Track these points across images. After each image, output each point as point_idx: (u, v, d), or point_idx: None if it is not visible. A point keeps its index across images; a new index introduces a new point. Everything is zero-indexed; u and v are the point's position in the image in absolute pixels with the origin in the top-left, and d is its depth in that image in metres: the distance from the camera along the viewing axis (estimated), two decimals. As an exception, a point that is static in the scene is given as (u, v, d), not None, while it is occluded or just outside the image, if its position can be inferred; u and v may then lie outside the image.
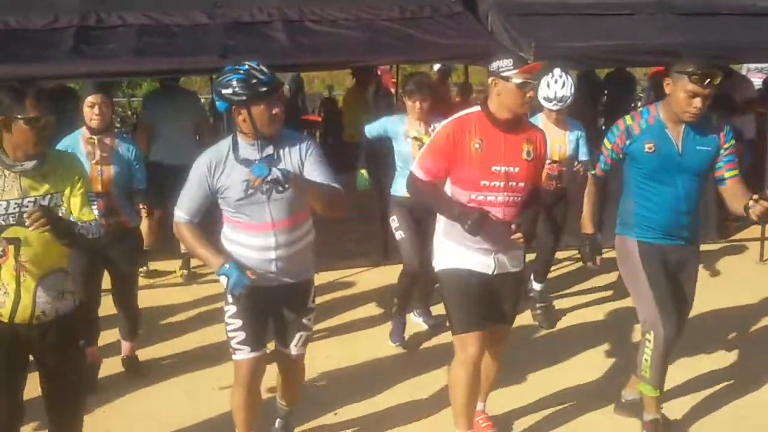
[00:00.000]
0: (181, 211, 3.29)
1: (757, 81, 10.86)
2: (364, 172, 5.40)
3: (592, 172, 3.84)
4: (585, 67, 8.12)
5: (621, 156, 3.64)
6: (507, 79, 3.28)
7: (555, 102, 5.15)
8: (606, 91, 10.03)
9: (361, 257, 6.85)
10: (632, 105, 10.54)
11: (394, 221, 5.11)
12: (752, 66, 14.11)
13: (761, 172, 7.27)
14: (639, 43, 6.44)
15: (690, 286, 3.81)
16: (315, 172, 3.25)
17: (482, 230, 3.25)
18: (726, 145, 3.59)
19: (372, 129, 5.28)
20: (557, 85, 5.11)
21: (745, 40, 6.60)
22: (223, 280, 3.09)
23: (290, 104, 11.01)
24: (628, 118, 3.61)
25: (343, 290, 6.32)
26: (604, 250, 4.00)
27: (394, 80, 10.24)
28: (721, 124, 3.60)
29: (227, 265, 3.11)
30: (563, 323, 5.62)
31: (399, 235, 5.08)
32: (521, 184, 3.41)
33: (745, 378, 4.50)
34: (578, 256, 4.79)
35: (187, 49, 5.82)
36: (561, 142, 5.31)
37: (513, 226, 3.33)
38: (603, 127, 9.60)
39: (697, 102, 3.36)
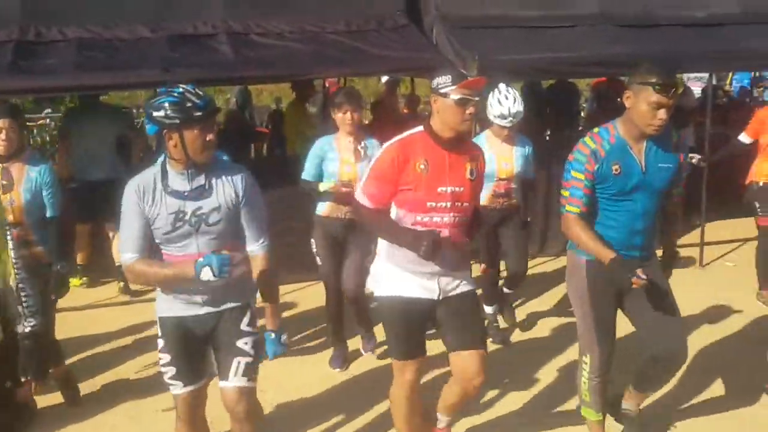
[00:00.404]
0: (128, 252, 3.02)
1: (696, 89, 11.14)
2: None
3: (574, 210, 3.35)
4: (529, 78, 8.25)
5: (594, 181, 3.33)
6: (446, 95, 3.16)
7: (510, 119, 4.87)
8: (550, 103, 10.15)
9: (304, 271, 6.13)
10: (577, 115, 10.75)
11: (313, 244, 4.93)
12: (691, 75, 14.46)
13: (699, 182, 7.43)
14: (582, 54, 6.57)
15: (666, 298, 3.49)
16: (249, 217, 3.15)
17: (438, 254, 3.12)
18: (682, 162, 3.50)
19: (309, 171, 4.83)
20: (509, 102, 4.86)
21: (686, 50, 6.74)
22: (207, 272, 2.87)
23: (237, 116, 10.93)
24: (588, 141, 3.31)
25: (290, 309, 6.06)
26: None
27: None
28: (680, 139, 3.50)
29: (201, 258, 2.91)
30: (549, 333, 5.61)
31: (318, 259, 4.94)
32: (466, 204, 3.32)
33: (685, 387, 4.51)
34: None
35: (129, 63, 5.73)
36: (508, 159, 5.02)
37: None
38: (547, 138, 9.76)
39: (662, 113, 3.15)
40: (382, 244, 3.42)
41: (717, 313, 5.73)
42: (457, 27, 6.51)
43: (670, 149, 3.37)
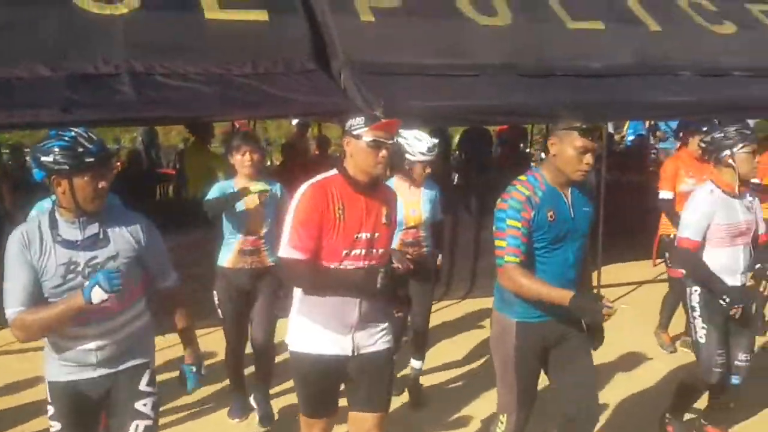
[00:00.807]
0: (13, 306, 2.78)
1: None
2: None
3: (513, 260, 3.17)
4: (435, 125, 8.36)
5: (530, 230, 3.19)
6: (359, 137, 3.06)
7: (433, 152, 4.69)
8: (460, 147, 10.38)
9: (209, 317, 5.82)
10: (488, 159, 11.02)
11: (215, 296, 4.74)
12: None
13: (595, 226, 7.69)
14: (485, 102, 6.74)
15: (585, 357, 3.44)
16: (153, 260, 3.08)
17: (390, 287, 3.06)
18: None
19: (210, 201, 4.60)
20: (424, 136, 4.72)
21: (584, 99, 6.93)
22: (98, 293, 2.67)
23: (139, 157, 10.70)
24: (521, 188, 3.20)
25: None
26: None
27: (252, 134, 10.18)
28: (592, 183, 3.55)
29: (86, 282, 2.72)
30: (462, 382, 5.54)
31: (221, 313, 4.74)
32: (380, 251, 3.18)
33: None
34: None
35: (28, 103, 5.52)
36: (415, 204, 4.81)
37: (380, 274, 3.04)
38: (455, 182, 9.95)
39: (588, 158, 3.13)
40: (296, 296, 3.24)
41: (624, 357, 5.81)
42: (365, 73, 6.57)
43: (587, 194, 3.38)
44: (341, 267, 3.09)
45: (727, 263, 4.00)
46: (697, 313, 4.10)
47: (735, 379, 4.15)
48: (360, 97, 6.28)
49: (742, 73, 8.33)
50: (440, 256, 5.29)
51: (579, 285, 3.35)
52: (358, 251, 3.10)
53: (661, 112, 7.86)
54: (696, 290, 4.13)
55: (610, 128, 12.53)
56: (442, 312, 6.95)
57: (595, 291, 7.00)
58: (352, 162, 3.12)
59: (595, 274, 7.27)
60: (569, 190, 3.28)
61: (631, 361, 5.76)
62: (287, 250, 3.08)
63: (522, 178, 3.28)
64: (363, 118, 3.13)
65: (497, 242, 3.22)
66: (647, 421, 4.66)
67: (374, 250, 3.14)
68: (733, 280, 4.01)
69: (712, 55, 8.33)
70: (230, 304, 4.70)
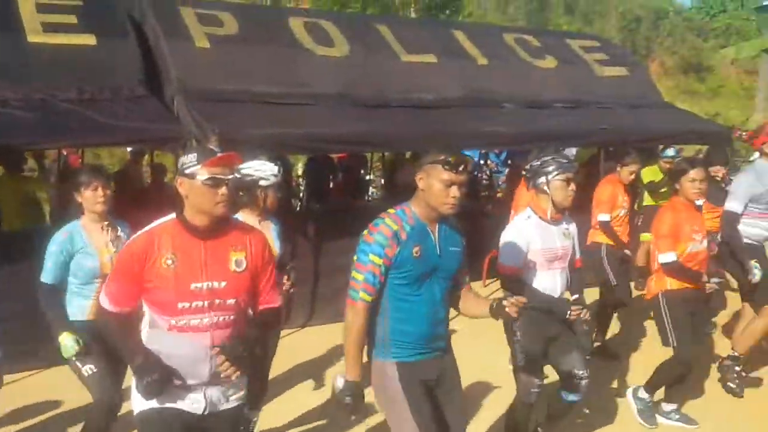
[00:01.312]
0: None
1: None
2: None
3: (366, 298, 3.07)
4: (272, 153, 8.31)
5: (390, 267, 3.08)
6: (192, 176, 2.80)
7: (279, 173, 4.39)
8: (304, 174, 10.42)
9: (29, 359, 5.58)
10: (329, 187, 11.12)
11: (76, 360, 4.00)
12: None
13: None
14: (322, 131, 6.81)
15: (457, 397, 3.34)
16: None
17: (162, 394, 2.79)
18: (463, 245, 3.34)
19: (51, 272, 3.93)
20: (266, 160, 4.34)
21: (416, 129, 7.24)
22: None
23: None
24: (390, 222, 3.08)
25: (10, 404, 5.08)
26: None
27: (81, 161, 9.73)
28: (459, 222, 3.35)
29: None
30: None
31: (85, 371, 3.92)
32: (231, 301, 2.89)
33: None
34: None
35: None
36: (270, 241, 4.47)
37: (217, 353, 2.83)
38: (297, 209, 9.96)
39: (455, 191, 3.03)
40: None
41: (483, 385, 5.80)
42: (199, 99, 6.47)
43: (456, 231, 3.28)
44: (178, 323, 2.83)
45: (546, 287, 4.11)
46: (517, 336, 4.16)
47: (574, 396, 4.23)
48: (194, 123, 6.17)
49: (563, 105, 8.99)
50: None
51: (447, 324, 3.29)
52: (199, 303, 2.83)
53: (488, 142, 8.23)
54: None
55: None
56: (283, 341, 6.85)
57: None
58: (188, 204, 2.86)
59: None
60: (438, 227, 3.18)
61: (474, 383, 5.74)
62: (101, 296, 2.95)
63: (391, 211, 3.15)
64: (195, 154, 2.85)
65: (354, 273, 3.09)
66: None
67: (220, 301, 2.86)
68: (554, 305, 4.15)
69: (535, 88, 8.91)
70: (101, 359, 3.90)
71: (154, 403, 2.87)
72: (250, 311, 3.03)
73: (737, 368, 5.50)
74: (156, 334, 2.89)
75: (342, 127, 6.93)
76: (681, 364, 4.81)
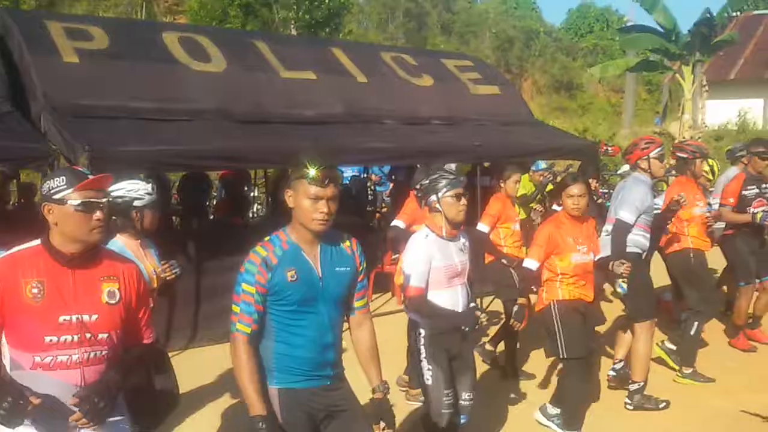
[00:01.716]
0: None
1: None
2: None
3: (245, 330, 2.96)
4: (147, 171, 8.05)
5: (267, 295, 2.99)
6: (62, 202, 2.61)
7: (153, 192, 4.22)
8: (177, 192, 10.18)
9: None
10: (207, 204, 10.93)
11: None
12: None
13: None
14: (200, 147, 6.70)
15: (360, 426, 3.19)
16: None
17: (20, 420, 2.49)
18: (360, 268, 3.23)
19: None
20: (139, 181, 4.20)
21: (297, 145, 6.94)
22: None
23: None
24: (260, 249, 3.00)
25: None
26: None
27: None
28: (353, 242, 3.23)
29: None
30: None
31: None
32: (103, 336, 2.69)
33: None
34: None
35: None
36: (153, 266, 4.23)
37: (73, 401, 2.57)
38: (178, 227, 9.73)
39: (322, 206, 2.93)
40: None
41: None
42: (67, 116, 6.23)
43: (346, 251, 3.16)
44: (44, 360, 2.60)
45: (449, 303, 4.11)
46: (422, 355, 4.13)
47: (463, 419, 4.23)
48: (63, 141, 5.93)
49: (439, 122, 9.24)
50: None
51: (339, 351, 3.19)
52: (67, 338, 2.61)
53: (370, 157, 8.34)
54: (420, 333, 4.15)
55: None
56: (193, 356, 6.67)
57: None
58: (57, 231, 2.64)
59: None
60: (318, 248, 3.07)
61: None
62: None
63: (266, 238, 3.05)
64: (64, 177, 2.65)
65: (233, 306, 3.00)
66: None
67: (91, 336, 2.65)
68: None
69: (413, 105, 9.12)
70: None
71: None
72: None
73: (643, 392, 5.62)
74: (17, 376, 2.61)
75: (220, 143, 6.83)
76: (574, 367, 4.93)
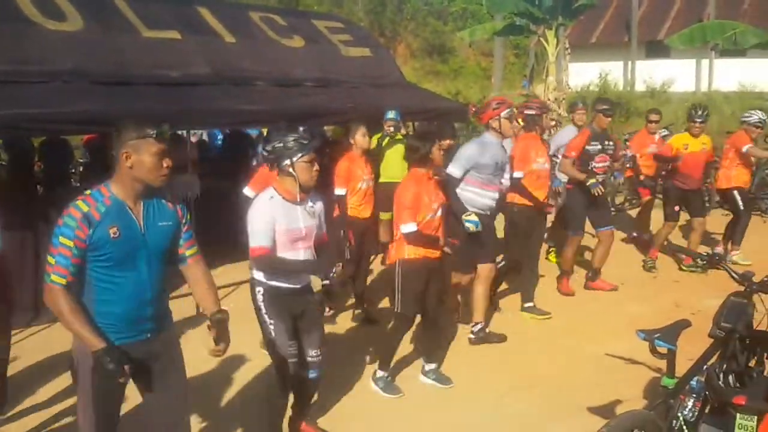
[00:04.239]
0: None
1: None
2: None
3: (59, 281, 2.99)
4: (4, 136, 7.61)
5: (86, 250, 3.01)
6: None
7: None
8: (39, 159, 9.63)
9: None
10: (71, 171, 10.43)
11: None
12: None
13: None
14: (57, 110, 6.37)
15: (174, 379, 3.36)
16: None
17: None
18: (184, 220, 3.34)
19: None
20: None
21: (163, 107, 6.93)
22: None
23: None
24: (81, 204, 3.02)
25: None
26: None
27: None
28: (174, 197, 3.32)
29: None
30: None
31: None
32: None
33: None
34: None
35: None
36: None
37: None
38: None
39: (168, 161, 3.10)
40: None
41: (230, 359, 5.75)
42: None
43: (167, 206, 3.26)
44: None
45: None
46: (263, 312, 4.19)
47: (312, 373, 4.35)
48: None
49: (312, 84, 9.18)
50: None
51: (163, 305, 3.32)
52: None
53: (241, 120, 8.12)
54: (259, 290, 4.20)
55: (205, 136, 12.75)
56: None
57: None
58: None
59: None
60: (142, 204, 3.16)
61: (236, 361, 5.75)
62: None
63: (87, 192, 3.09)
64: None
65: (48, 257, 3.02)
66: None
67: None
68: (296, 281, 4.22)
69: (285, 67, 9.01)
70: None
71: None
72: None
73: (486, 330, 6.15)
74: None
75: (80, 105, 6.51)
76: (402, 323, 5.24)
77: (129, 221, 3.10)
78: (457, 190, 5.90)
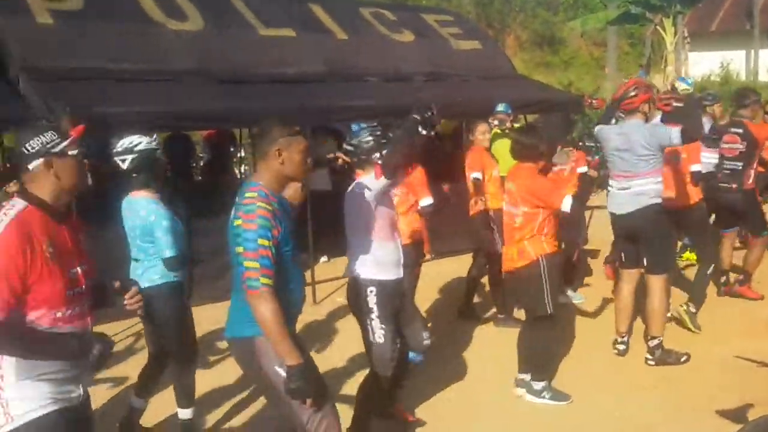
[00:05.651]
0: None
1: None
2: None
3: (269, 283, 2.97)
4: (128, 132, 7.96)
5: (279, 246, 3.05)
6: (63, 154, 2.52)
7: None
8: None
9: None
10: (193, 166, 10.86)
11: None
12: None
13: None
14: (182, 108, 6.65)
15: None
16: None
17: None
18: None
19: None
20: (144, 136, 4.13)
21: (275, 105, 6.98)
22: None
23: None
24: (264, 204, 3.02)
25: None
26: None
27: None
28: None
29: None
30: None
31: None
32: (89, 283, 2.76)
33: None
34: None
35: None
36: None
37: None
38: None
39: (311, 159, 3.24)
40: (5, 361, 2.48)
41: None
42: (45, 78, 6.15)
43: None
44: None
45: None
46: (376, 315, 4.04)
47: (418, 357, 4.33)
48: (41, 104, 5.86)
49: (423, 78, 9.17)
50: None
51: None
52: (78, 290, 2.59)
53: (358, 114, 8.16)
54: (372, 291, 4.05)
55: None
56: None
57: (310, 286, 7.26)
58: (57, 185, 2.54)
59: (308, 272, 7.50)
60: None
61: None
62: None
63: (251, 194, 3.05)
64: (51, 132, 2.52)
65: (247, 263, 2.97)
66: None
67: (83, 288, 2.63)
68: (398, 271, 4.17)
69: (395, 62, 9.05)
70: None
71: (40, 409, 2.49)
72: None
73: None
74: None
75: (202, 103, 6.80)
76: (550, 325, 4.90)
77: (288, 215, 3.19)
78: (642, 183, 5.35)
